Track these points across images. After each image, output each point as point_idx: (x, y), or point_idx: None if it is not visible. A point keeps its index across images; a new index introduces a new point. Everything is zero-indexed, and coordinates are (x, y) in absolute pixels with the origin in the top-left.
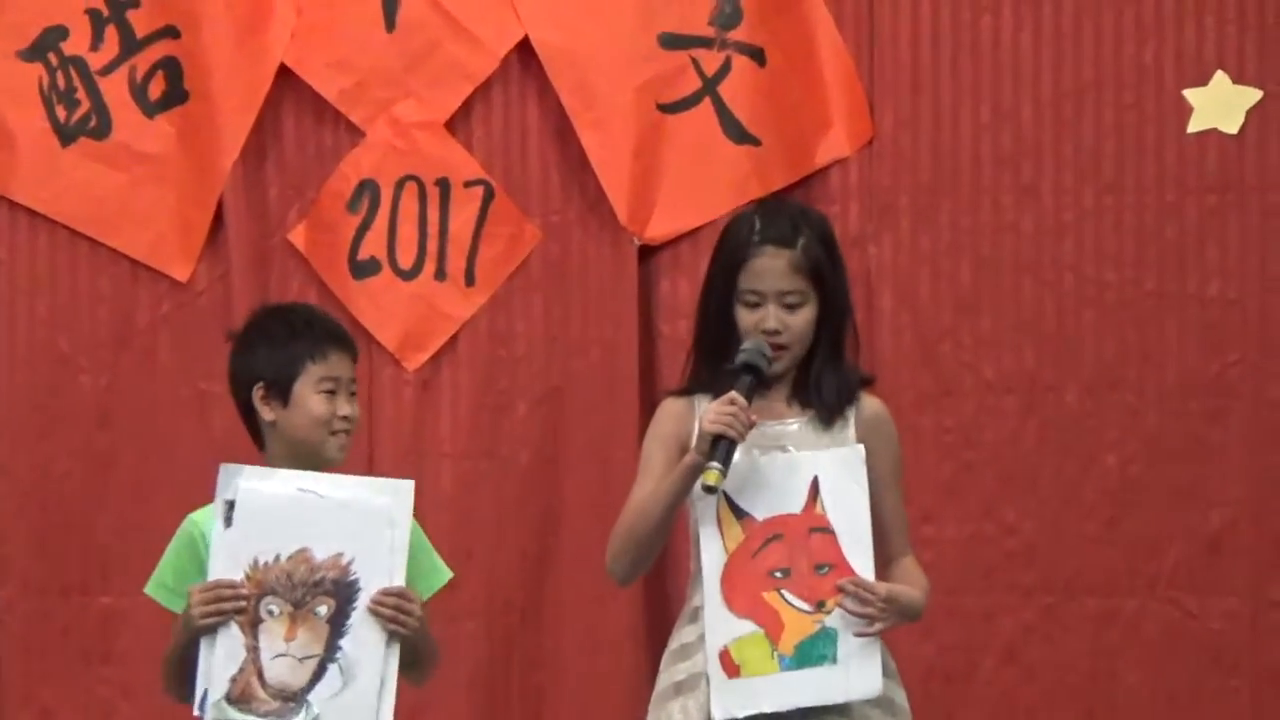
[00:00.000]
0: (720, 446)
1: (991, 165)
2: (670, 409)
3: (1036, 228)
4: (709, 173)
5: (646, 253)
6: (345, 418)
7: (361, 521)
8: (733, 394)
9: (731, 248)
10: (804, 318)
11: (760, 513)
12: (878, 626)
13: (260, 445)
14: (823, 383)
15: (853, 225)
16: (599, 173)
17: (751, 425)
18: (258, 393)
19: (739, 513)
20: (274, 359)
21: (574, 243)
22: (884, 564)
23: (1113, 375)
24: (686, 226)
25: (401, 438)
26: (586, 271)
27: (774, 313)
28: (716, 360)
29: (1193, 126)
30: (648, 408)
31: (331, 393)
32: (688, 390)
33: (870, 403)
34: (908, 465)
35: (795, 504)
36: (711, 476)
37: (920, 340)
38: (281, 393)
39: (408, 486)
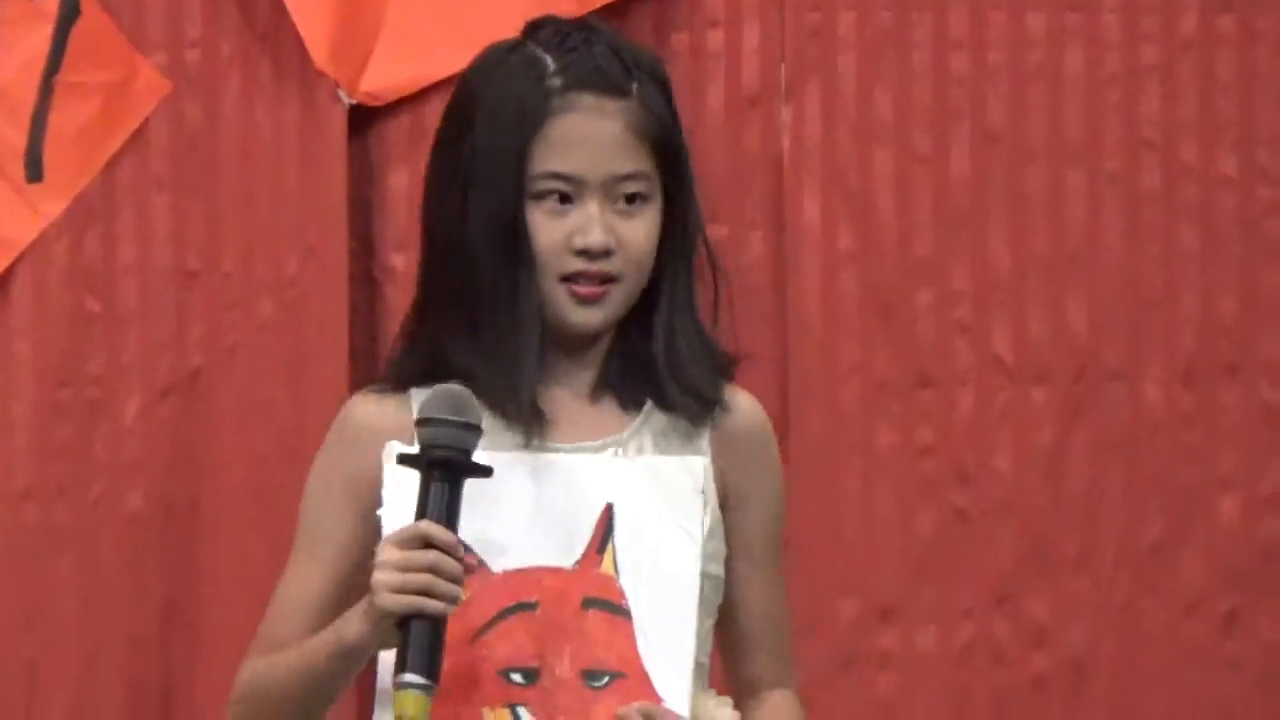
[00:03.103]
0: (415, 635)
1: None
2: (362, 418)
3: (1091, 75)
4: None
5: (364, 120)
6: None
7: None
8: (423, 528)
9: (510, 102)
10: (647, 227)
11: (499, 557)
12: None
13: None
14: (677, 354)
15: (750, 70)
16: None
17: (467, 573)
18: None
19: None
20: None
21: (229, 100)
22: (738, 693)
23: (1232, 353)
24: (436, 74)
25: None
26: (254, 154)
27: (599, 215)
28: (463, 327)
29: None
30: None
31: None
32: (397, 379)
33: (742, 404)
34: (845, 512)
35: (566, 550)
36: (411, 705)
37: (874, 283)
38: None
39: None
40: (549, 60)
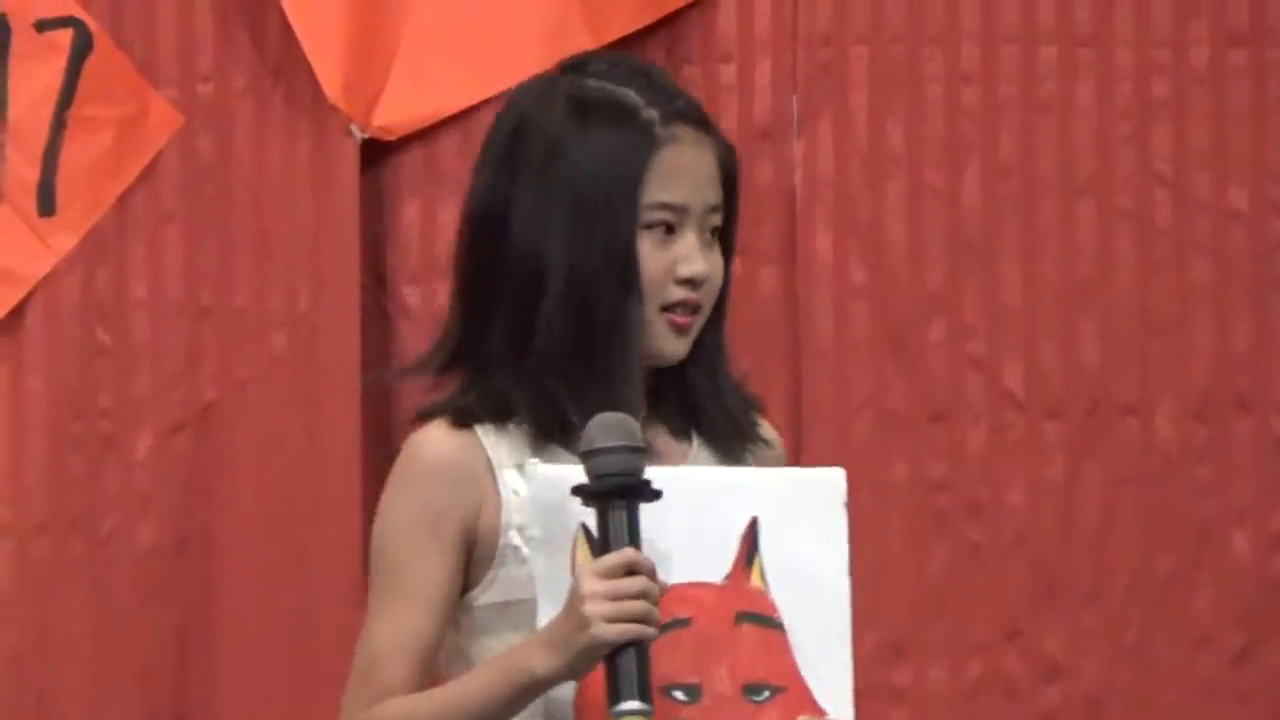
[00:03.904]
0: (630, 662)
1: None
2: (440, 452)
3: (1102, 109)
4: (496, 9)
5: (377, 154)
6: None
7: None
8: (630, 555)
9: (613, 134)
10: (721, 260)
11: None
12: None
13: None
14: (721, 390)
15: (762, 104)
16: (287, 7)
17: (663, 593)
18: None
19: None
20: None
21: (241, 134)
22: None
23: (1244, 386)
24: (449, 108)
25: None
26: (266, 188)
27: (699, 245)
28: (565, 359)
29: None
30: (379, 443)
31: None
32: (461, 417)
33: (773, 438)
34: (856, 546)
35: (713, 565)
36: None
37: (886, 316)
38: None
39: None
40: (628, 92)
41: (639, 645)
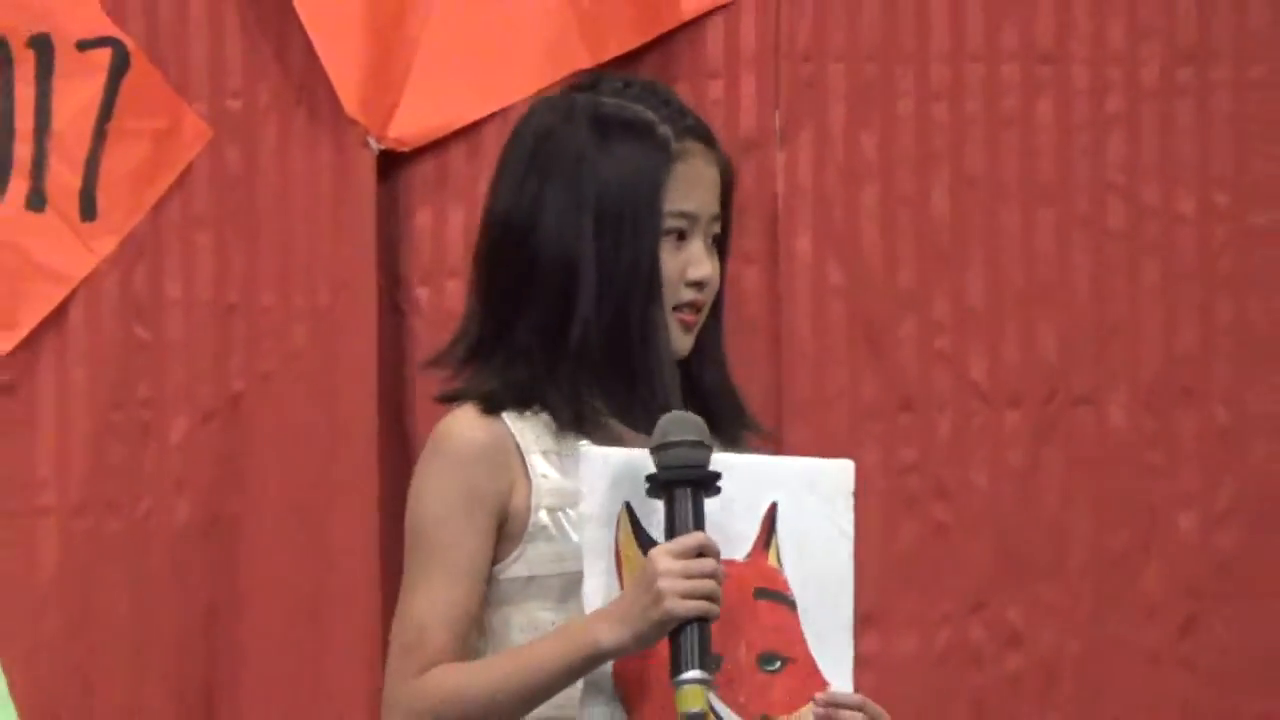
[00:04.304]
0: (695, 636)
1: (982, 13)
2: (476, 436)
3: (1061, 122)
4: (499, 27)
5: (391, 165)
6: None
7: None
8: (702, 539)
9: (635, 146)
10: (718, 263)
11: None
12: None
13: None
14: (729, 386)
15: (747, 117)
16: (308, 26)
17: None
18: None
19: (648, 546)
20: None
21: (267, 146)
22: None
23: (1190, 378)
24: (459, 121)
25: None
26: (289, 196)
27: (704, 251)
28: (596, 354)
29: None
30: (394, 431)
31: None
32: (489, 404)
33: (758, 421)
34: None
35: (736, 544)
36: (697, 700)
37: (861, 313)
38: None
39: None
40: (644, 110)
41: (703, 620)
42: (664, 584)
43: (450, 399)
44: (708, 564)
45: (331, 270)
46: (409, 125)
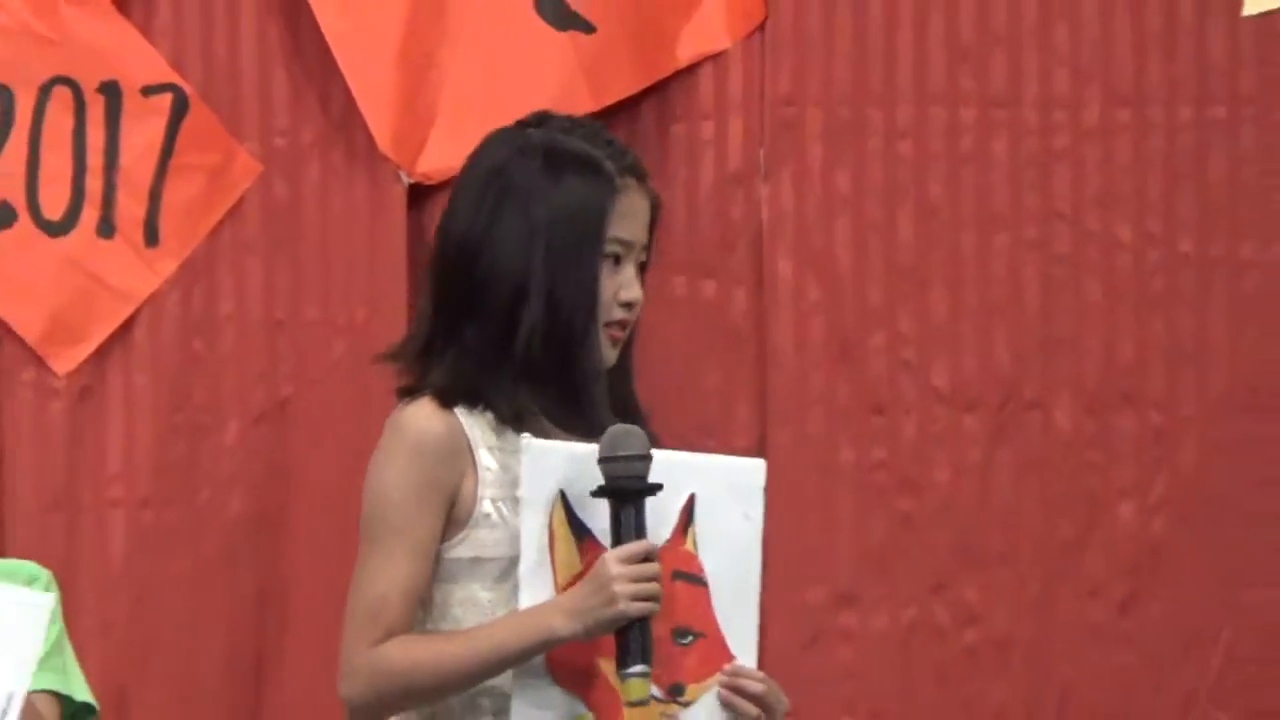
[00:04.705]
0: (640, 633)
1: (944, 62)
2: (433, 428)
3: (1012, 157)
4: (514, 74)
5: (420, 196)
6: None
7: None
8: (647, 546)
9: (583, 181)
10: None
11: (606, 538)
12: None
13: None
14: (629, 393)
15: (735, 154)
16: (346, 72)
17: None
18: None
19: (579, 531)
20: None
21: (310, 180)
22: None
23: (1128, 385)
24: None
25: (47, 477)
26: (330, 224)
27: (635, 275)
28: (537, 362)
29: (1251, 6)
30: None
31: None
32: (443, 399)
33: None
34: (811, 515)
35: (659, 531)
36: (643, 690)
37: (836, 329)
38: None
39: (44, 604)
40: (590, 148)
41: (647, 619)
42: (618, 588)
43: (408, 392)
44: (652, 568)
45: (367, 289)
46: (435, 161)
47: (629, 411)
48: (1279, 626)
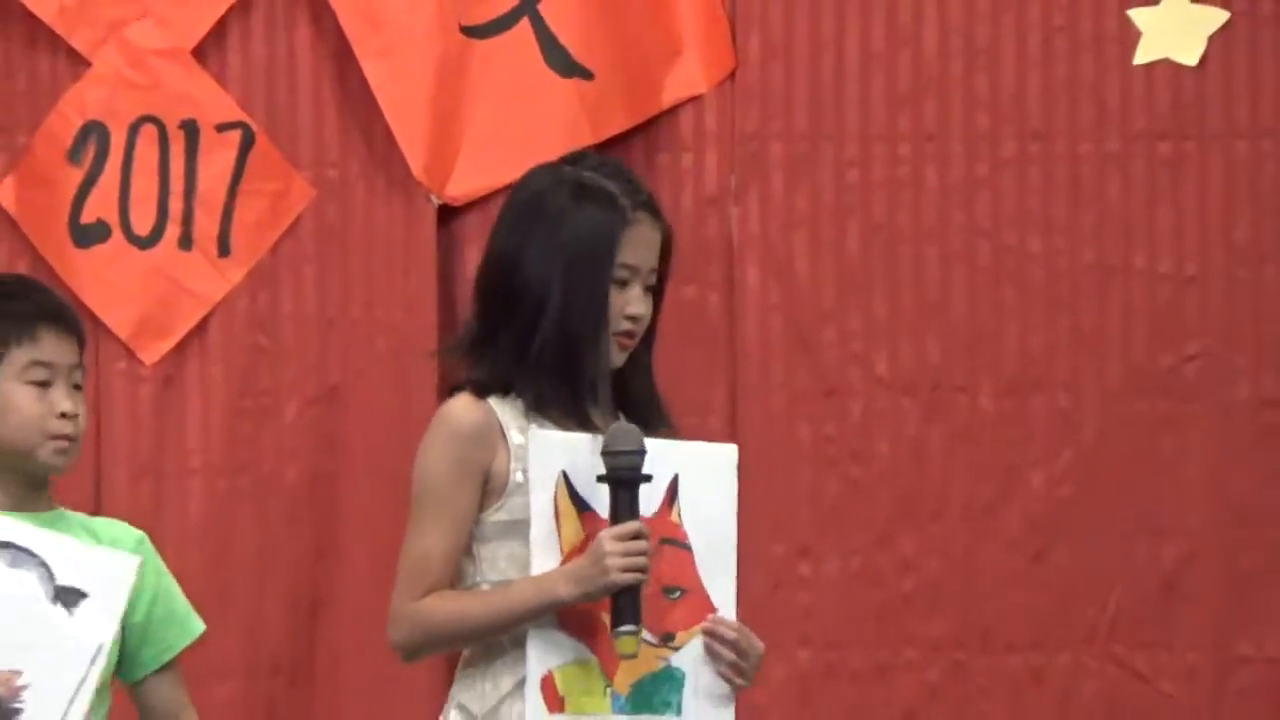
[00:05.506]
0: (630, 598)
1: (884, 105)
2: (469, 417)
3: (942, 184)
4: (527, 114)
5: (448, 215)
6: (65, 415)
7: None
8: (637, 526)
9: (600, 214)
10: (651, 304)
11: (606, 509)
12: (740, 682)
13: None
14: (646, 388)
15: (710, 180)
16: (388, 114)
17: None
18: None
19: (581, 504)
20: None
21: (356, 202)
22: None
23: (1039, 372)
24: (498, 183)
25: (137, 450)
26: (372, 239)
27: (641, 295)
28: (555, 361)
29: (1141, 56)
30: None
31: (45, 384)
32: (480, 390)
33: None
34: (776, 483)
35: (649, 505)
36: (632, 645)
37: (795, 325)
38: None
39: (130, 565)
40: (610, 185)
41: (636, 587)
42: (610, 560)
43: (456, 388)
44: (641, 544)
45: (403, 293)
46: (461, 186)
47: (651, 400)
48: (1162, 573)
